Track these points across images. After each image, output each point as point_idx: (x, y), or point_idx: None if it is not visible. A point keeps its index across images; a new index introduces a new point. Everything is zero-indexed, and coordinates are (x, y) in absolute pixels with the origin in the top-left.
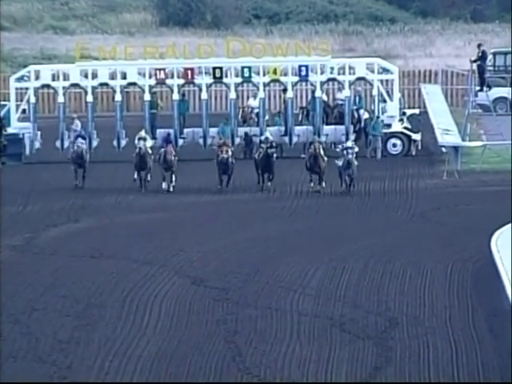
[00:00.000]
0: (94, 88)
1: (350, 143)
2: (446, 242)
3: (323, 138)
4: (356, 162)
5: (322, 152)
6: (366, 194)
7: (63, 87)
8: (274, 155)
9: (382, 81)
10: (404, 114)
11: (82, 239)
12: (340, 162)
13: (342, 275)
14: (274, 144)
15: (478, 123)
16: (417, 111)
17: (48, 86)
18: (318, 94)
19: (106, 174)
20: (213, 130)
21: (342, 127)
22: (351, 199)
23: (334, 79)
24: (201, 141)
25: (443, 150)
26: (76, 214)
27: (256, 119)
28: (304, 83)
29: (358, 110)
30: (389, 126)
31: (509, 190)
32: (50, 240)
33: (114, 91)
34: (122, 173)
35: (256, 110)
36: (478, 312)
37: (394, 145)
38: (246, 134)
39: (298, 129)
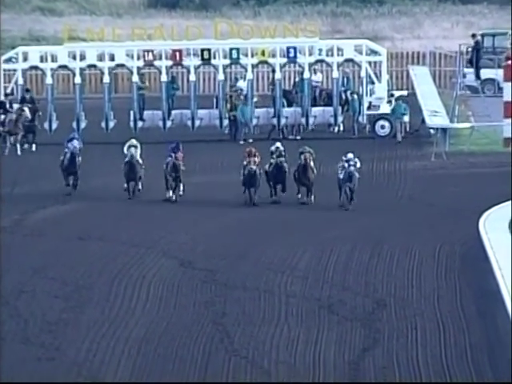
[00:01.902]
0: (82, 69)
1: (351, 155)
2: (434, 223)
3: (311, 120)
4: (357, 175)
5: (312, 163)
6: None
7: (51, 69)
8: (285, 165)
9: (370, 62)
10: (392, 95)
11: (70, 221)
12: (341, 175)
13: (330, 257)
14: (283, 153)
15: (466, 105)
16: (405, 93)
17: (36, 67)
18: (306, 75)
19: (95, 155)
20: (201, 112)
21: (330, 109)
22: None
23: (322, 61)
24: (189, 123)
25: (431, 131)
26: (64, 195)
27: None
28: (292, 65)
29: (345, 91)
30: (377, 107)
31: (497, 171)
32: (39, 222)
33: (102, 73)
34: (110, 155)
35: (244, 92)
36: (465, 294)
37: (382, 126)
38: (229, 116)
39: (286, 110)
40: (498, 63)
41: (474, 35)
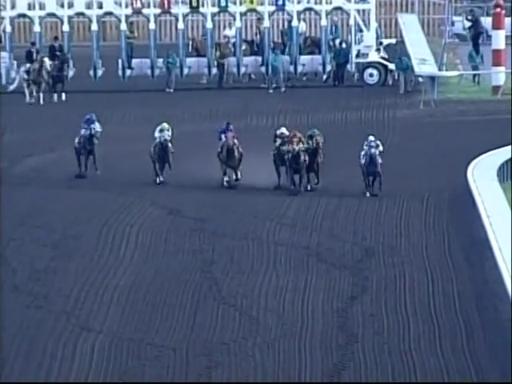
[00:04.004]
0: (70, 17)
1: (372, 137)
2: (422, 171)
3: (300, 68)
4: (380, 160)
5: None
6: (342, 124)
7: (39, 17)
8: (289, 152)
9: (358, 10)
10: (381, 43)
11: (58, 169)
12: (363, 160)
13: (319, 205)
14: (286, 139)
15: (455, 53)
16: (393, 41)
17: (24, 15)
18: (294, 23)
19: (83, 103)
20: (189, 60)
21: (319, 57)
22: (328, 130)
23: (310, 9)
24: (177, 71)
25: (420, 79)
26: (52, 143)
27: (233, 49)
28: (280, 13)
29: (334, 39)
30: (365, 55)
31: (485, 119)
32: (27, 170)
33: (91, 21)
34: (99, 102)
35: (233, 40)
36: (453, 242)
37: (371, 75)
38: (218, 63)
39: None
40: (486, 11)
41: (471, 10)
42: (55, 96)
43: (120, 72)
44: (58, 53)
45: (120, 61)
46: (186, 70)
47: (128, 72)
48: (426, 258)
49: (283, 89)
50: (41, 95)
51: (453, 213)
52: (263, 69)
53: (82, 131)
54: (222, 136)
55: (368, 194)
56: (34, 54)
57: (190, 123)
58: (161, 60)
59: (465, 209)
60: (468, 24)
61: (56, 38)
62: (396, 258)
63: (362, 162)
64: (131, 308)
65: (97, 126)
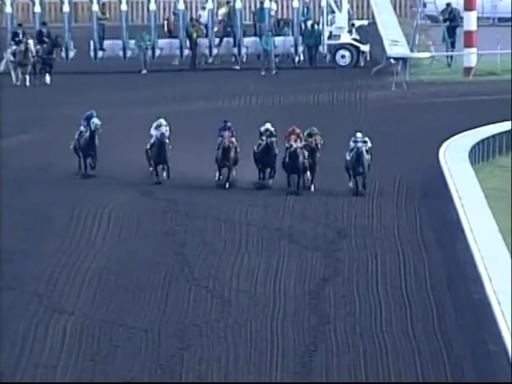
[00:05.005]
0: None
1: (359, 134)
2: (394, 153)
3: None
4: (368, 157)
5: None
6: (314, 106)
7: None
8: (275, 146)
9: None
10: (353, 25)
11: (30, 151)
12: (348, 157)
13: (291, 187)
14: (274, 133)
15: (427, 34)
16: (365, 22)
17: None
18: (266, 4)
19: (55, 85)
20: (161, 42)
21: (291, 38)
22: (299, 112)
23: None
24: (150, 52)
25: (392, 61)
26: (25, 125)
27: (205, 31)
28: None
29: (305, 21)
30: (337, 37)
31: (457, 101)
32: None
33: (62, 2)
34: (71, 84)
35: (205, 22)
36: (425, 223)
37: (343, 56)
38: (191, 43)
39: (247, 40)
40: None
41: (448, 4)
42: (43, 78)
43: (92, 53)
44: (45, 38)
45: (92, 42)
46: (157, 52)
47: (100, 53)
48: (398, 240)
49: (274, 71)
50: (27, 77)
51: (425, 194)
52: (235, 50)
53: (82, 128)
54: (222, 133)
55: (352, 187)
56: (20, 36)
57: (163, 105)
58: (133, 41)
59: (437, 190)
60: (444, 16)
61: (44, 24)
62: (368, 240)
63: (348, 158)
64: (103, 290)
65: (96, 120)
